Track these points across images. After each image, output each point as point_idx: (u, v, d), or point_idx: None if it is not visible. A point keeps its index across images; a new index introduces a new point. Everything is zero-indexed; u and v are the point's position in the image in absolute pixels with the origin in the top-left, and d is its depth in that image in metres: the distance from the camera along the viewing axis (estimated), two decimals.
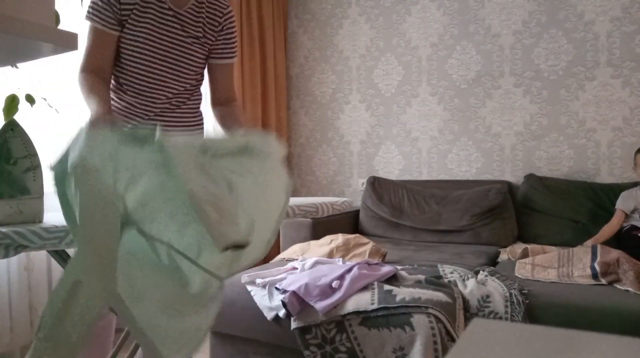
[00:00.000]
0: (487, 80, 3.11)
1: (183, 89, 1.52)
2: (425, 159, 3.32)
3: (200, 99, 1.64)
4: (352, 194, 3.58)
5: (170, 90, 1.50)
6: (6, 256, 0.91)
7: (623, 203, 2.40)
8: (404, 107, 3.38)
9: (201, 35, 1.50)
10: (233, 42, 1.59)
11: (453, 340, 1.53)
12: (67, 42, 0.93)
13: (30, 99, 1.17)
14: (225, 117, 1.58)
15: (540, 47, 2.96)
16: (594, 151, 2.84)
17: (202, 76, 1.61)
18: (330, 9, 3.65)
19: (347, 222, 3.09)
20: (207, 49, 1.54)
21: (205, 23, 1.50)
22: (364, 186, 3.20)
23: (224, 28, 1.55)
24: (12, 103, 1.06)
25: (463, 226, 2.78)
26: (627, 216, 2.39)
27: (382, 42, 3.45)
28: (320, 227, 2.75)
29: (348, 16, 3.58)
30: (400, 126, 3.40)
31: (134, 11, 1.40)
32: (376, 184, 3.09)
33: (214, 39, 1.54)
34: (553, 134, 2.94)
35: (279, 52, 3.68)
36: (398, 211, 2.96)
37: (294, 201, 1.42)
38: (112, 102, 1.48)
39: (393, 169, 3.43)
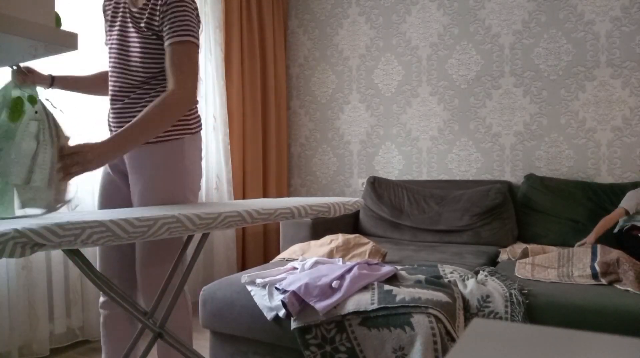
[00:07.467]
0: (487, 80, 3.11)
1: (128, 84, 1.53)
2: (425, 159, 3.32)
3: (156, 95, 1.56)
4: (352, 194, 3.58)
5: (116, 86, 1.54)
6: (22, 255, 0.90)
7: (628, 201, 2.39)
8: (404, 107, 3.38)
9: (145, 27, 1.48)
10: (174, 23, 1.47)
11: (453, 340, 1.53)
12: (67, 42, 0.93)
13: (32, 100, 1.17)
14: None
15: (540, 47, 2.96)
16: (593, 151, 2.84)
17: (154, 71, 1.53)
18: (330, 8, 3.65)
19: (347, 222, 3.09)
20: (153, 40, 1.50)
21: (154, 13, 1.48)
22: (364, 186, 3.20)
23: (168, 6, 1.47)
24: (16, 106, 1.06)
25: (463, 226, 2.78)
26: (629, 216, 2.38)
27: (382, 42, 3.45)
28: (320, 227, 2.75)
29: (348, 16, 3.58)
30: (400, 126, 3.40)
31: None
32: (376, 184, 3.09)
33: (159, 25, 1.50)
34: (553, 134, 2.94)
35: (279, 52, 3.67)
36: (398, 211, 2.96)
37: (305, 201, 1.40)
38: None
39: (393, 169, 3.43)
